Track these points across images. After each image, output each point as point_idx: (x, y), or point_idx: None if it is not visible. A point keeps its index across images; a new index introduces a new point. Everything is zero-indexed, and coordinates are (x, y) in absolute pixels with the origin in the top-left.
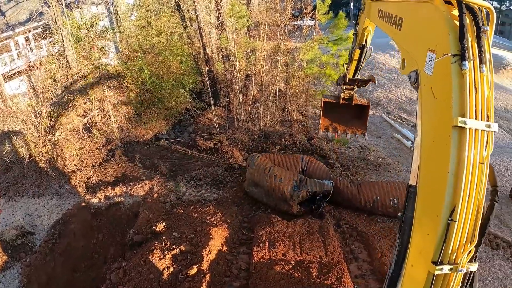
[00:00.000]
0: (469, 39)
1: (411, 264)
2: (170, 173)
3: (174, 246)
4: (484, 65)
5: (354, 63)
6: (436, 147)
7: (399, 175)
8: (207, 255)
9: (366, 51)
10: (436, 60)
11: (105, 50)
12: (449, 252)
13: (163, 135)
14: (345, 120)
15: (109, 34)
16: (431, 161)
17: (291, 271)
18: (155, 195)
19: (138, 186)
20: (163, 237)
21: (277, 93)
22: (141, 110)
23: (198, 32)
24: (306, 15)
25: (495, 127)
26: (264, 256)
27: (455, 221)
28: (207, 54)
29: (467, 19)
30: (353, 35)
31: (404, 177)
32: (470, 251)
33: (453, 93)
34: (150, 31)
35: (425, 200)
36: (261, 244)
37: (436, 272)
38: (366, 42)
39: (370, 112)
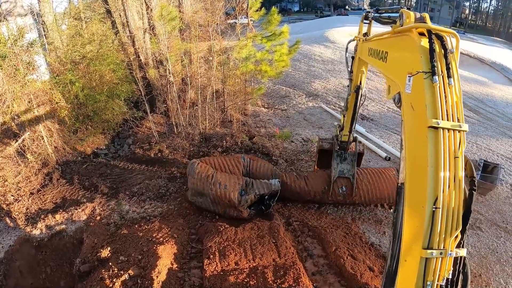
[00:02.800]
0: (438, 59)
1: (404, 259)
2: (111, 191)
3: (122, 272)
4: (452, 78)
5: (350, 111)
6: (417, 148)
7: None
8: (157, 276)
9: (361, 94)
10: (411, 76)
11: (34, 65)
12: (437, 237)
13: (102, 151)
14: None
15: (37, 47)
16: (414, 160)
17: (246, 280)
18: (98, 218)
19: (79, 210)
20: (110, 263)
21: (215, 94)
22: (77, 126)
23: (130, 38)
24: (239, 13)
25: (465, 127)
26: (216, 268)
27: (439, 208)
28: (141, 60)
29: (436, 44)
30: (348, 79)
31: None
32: (457, 236)
33: (427, 101)
34: (80, 41)
35: (412, 194)
36: (211, 256)
37: (427, 256)
38: (360, 83)
39: (309, 104)
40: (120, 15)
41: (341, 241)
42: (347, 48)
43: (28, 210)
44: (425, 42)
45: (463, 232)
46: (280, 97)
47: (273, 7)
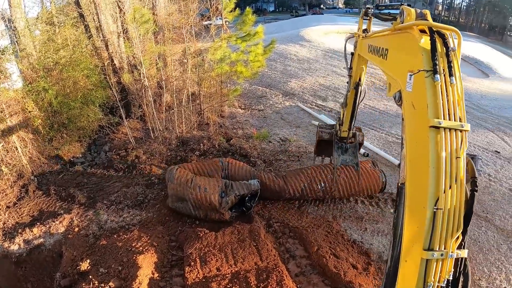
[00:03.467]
0: (439, 57)
1: (405, 260)
2: (88, 201)
3: (103, 284)
4: (453, 77)
5: (350, 108)
6: (418, 148)
7: (322, 161)
8: (138, 287)
9: (360, 90)
10: (413, 75)
11: (5, 73)
12: (438, 238)
13: (78, 159)
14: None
15: (9, 54)
16: (415, 160)
17: (228, 286)
18: (76, 229)
19: (57, 222)
20: (90, 276)
21: (191, 97)
22: (51, 134)
23: (104, 42)
24: (213, 14)
25: (467, 126)
26: (198, 276)
27: (441, 208)
28: (115, 65)
29: (438, 42)
30: (348, 75)
31: (326, 162)
32: (458, 237)
33: (428, 99)
34: (53, 46)
35: (413, 195)
36: (192, 263)
37: (428, 258)
38: (360, 80)
39: (286, 103)
40: (93, 19)
41: (323, 240)
42: (345, 45)
43: (5, 225)
44: (426, 40)
45: (464, 233)
46: (257, 97)
47: (248, 7)
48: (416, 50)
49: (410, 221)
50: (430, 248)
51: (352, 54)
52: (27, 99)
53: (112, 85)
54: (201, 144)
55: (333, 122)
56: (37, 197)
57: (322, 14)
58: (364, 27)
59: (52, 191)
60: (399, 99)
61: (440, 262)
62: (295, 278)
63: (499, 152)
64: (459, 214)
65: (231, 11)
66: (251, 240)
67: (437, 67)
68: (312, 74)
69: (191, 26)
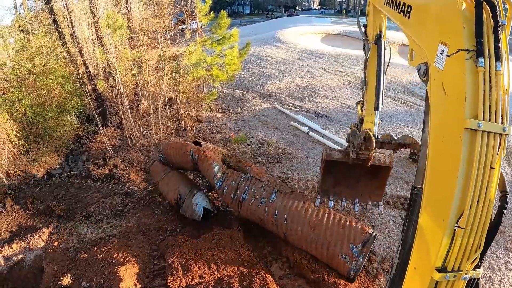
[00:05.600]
0: (485, 34)
1: (413, 267)
2: (67, 213)
3: None
4: (500, 62)
5: (373, 78)
6: (446, 148)
7: (301, 162)
8: None
9: (384, 46)
10: (449, 56)
11: None
12: (454, 259)
13: (56, 170)
14: (353, 180)
15: None
16: (440, 163)
17: None
18: (56, 243)
19: (36, 236)
20: None
21: (167, 103)
22: (27, 146)
23: (78, 49)
24: (188, 18)
25: (510, 130)
26: (180, 284)
27: (463, 228)
28: (90, 72)
29: (484, 12)
30: (363, 41)
31: (306, 164)
32: (475, 258)
33: (467, 92)
34: (26, 55)
35: (431, 203)
36: (174, 272)
37: (440, 280)
38: (381, 31)
39: (264, 105)
40: (68, 26)
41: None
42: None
43: None
44: (469, 6)
45: (483, 253)
46: (234, 100)
47: (223, 10)
48: (456, 19)
49: (424, 233)
50: (443, 267)
51: (365, 26)
52: (0, 110)
53: (87, 93)
54: None
55: (311, 122)
56: (14, 211)
57: (298, 15)
58: None
59: (30, 205)
60: (424, 74)
61: (452, 283)
62: (279, 281)
63: None
64: (482, 234)
65: (206, 15)
66: (232, 245)
67: (482, 47)
68: (289, 75)
69: (166, 30)
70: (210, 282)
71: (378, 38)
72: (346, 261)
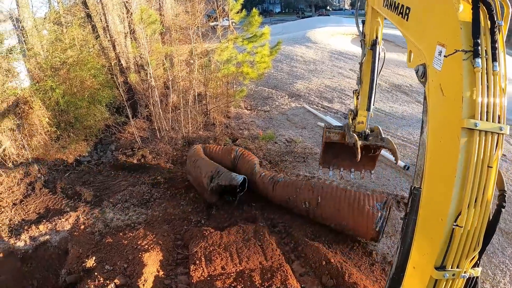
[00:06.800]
0: (482, 35)
1: (413, 266)
2: (94, 199)
3: (108, 281)
4: (497, 63)
5: (367, 79)
6: (443, 148)
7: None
8: (143, 284)
9: (379, 51)
10: (446, 56)
11: (13, 72)
12: (453, 258)
13: (85, 158)
14: (349, 155)
15: (16, 53)
16: (438, 163)
17: (233, 284)
18: (82, 227)
19: (63, 219)
20: (96, 273)
21: (197, 98)
22: (58, 133)
23: (111, 42)
24: (220, 15)
25: (507, 129)
26: (202, 274)
27: (461, 227)
28: (122, 65)
29: (481, 13)
30: (360, 41)
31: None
32: (474, 256)
33: (464, 92)
34: (60, 46)
35: (430, 203)
36: (197, 262)
37: (439, 278)
38: (377, 37)
39: (292, 105)
40: (100, 19)
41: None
42: (357, 4)
43: (11, 222)
44: (466, 7)
45: (481, 252)
46: (263, 98)
47: (254, 8)
48: (453, 20)
49: (422, 232)
50: (442, 266)
51: (363, 22)
52: (34, 98)
53: (119, 84)
54: (207, 144)
55: (338, 124)
56: (43, 194)
57: (329, 15)
58: None
59: (59, 189)
60: (422, 75)
61: (451, 282)
62: (299, 278)
63: (505, 155)
64: (480, 233)
65: (237, 12)
66: (256, 240)
67: (479, 48)
68: (318, 76)
69: (198, 27)
70: (232, 274)
71: (374, 44)
72: (373, 212)
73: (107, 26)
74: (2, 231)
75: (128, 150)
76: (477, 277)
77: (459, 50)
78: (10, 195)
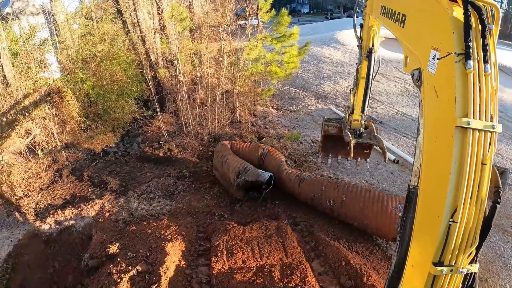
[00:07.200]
0: (474, 38)
1: (411, 264)
2: (120, 188)
3: (130, 267)
4: (488, 64)
5: (362, 83)
6: (438, 147)
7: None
8: (165, 272)
9: (374, 59)
10: (439, 59)
11: (45, 63)
12: (450, 253)
13: (111, 149)
14: (346, 146)
15: (48, 45)
16: (433, 161)
17: (252, 278)
18: (107, 214)
19: (89, 206)
20: (118, 259)
21: (224, 95)
22: (87, 124)
23: (141, 38)
24: (249, 14)
25: (499, 127)
26: (223, 266)
27: (457, 222)
28: (151, 60)
29: (472, 17)
30: (358, 46)
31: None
32: (471, 252)
33: (457, 92)
34: (91, 40)
35: (426, 201)
36: (219, 254)
37: (437, 274)
38: (373, 46)
39: (319, 106)
40: (130, 15)
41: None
42: (355, 8)
43: (37, 205)
44: (458, 12)
45: (478, 248)
46: (289, 98)
47: (283, 8)
48: (446, 25)
49: (420, 229)
50: (440, 262)
51: (361, 25)
52: (65, 89)
53: (148, 79)
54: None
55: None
56: (70, 181)
57: (357, 17)
58: None
59: (85, 177)
60: (417, 79)
61: (449, 277)
62: (318, 276)
63: None
64: (476, 228)
65: (267, 12)
66: (278, 237)
67: (471, 50)
68: (346, 78)
69: (227, 25)
70: (252, 268)
71: (370, 52)
72: (396, 212)
73: (138, 22)
74: (28, 214)
75: (155, 143)
76: (475, 273)
77: (451, 53)
78: (37, 180)
